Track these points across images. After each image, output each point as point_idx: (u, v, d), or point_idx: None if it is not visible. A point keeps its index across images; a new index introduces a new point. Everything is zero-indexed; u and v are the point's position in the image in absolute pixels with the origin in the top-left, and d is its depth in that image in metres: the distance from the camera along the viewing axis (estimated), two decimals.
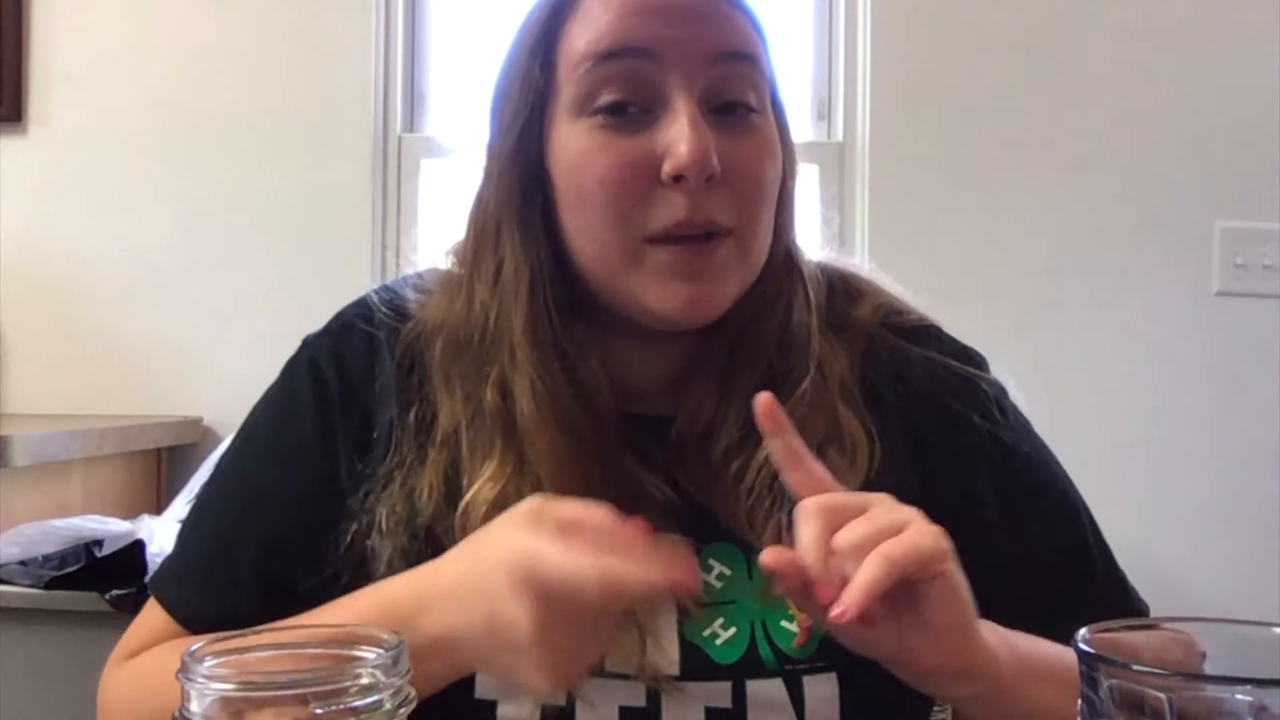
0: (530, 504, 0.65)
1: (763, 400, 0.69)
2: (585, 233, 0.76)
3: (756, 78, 0.77)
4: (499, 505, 0.71)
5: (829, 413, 0.80)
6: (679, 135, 0.73)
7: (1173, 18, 2.11)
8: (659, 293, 0.75)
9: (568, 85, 0.76)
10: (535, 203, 0.78)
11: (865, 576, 0.61)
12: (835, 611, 0.60)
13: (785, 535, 0.75)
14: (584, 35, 0.75)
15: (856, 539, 0.63)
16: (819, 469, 0.70)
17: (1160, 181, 2.11)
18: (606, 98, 0.75)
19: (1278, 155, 2.10)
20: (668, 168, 0.73)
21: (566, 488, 0.73)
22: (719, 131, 0.75)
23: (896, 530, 0.63)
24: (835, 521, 0.64)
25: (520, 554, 0.61)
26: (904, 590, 0.63)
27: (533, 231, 0.78)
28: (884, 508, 0.65)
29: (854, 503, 0.66)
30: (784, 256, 0.83)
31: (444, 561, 0.69)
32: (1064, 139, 2.12)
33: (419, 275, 0.88)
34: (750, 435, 0.78)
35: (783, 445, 0.70)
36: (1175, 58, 2.12)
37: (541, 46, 0.77)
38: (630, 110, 0.75)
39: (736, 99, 0.76)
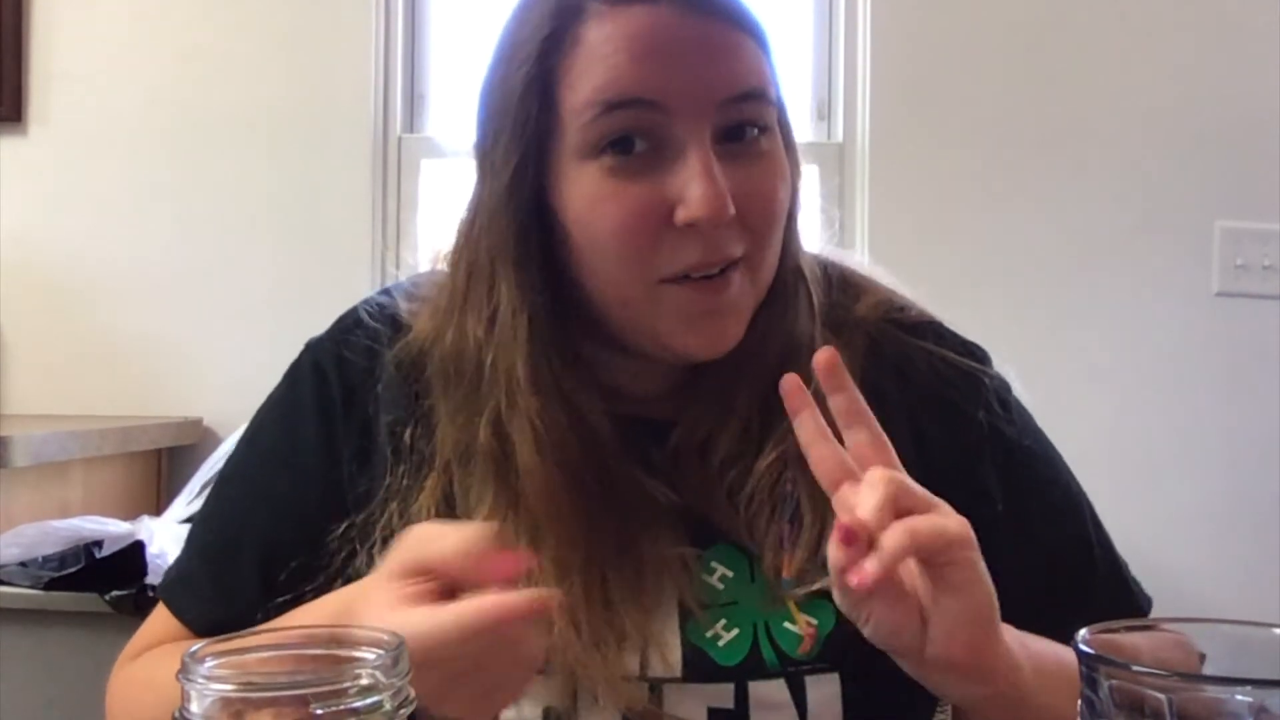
0: (392, 564, 0.64)
1: (789, 379, 0.69)
2: (599, 275, 0.75)
3: (766, 108, 0.76)
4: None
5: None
6: (692, 184, 0.71)
7: (1173, 18, 2.11)
8: (679, 334, 0.75)
9: (572, 130, 0.73)
10: (532, 245, 0.76)
11: (888, 545, 0.61)
12: (853, 579, 0.61)
13: (788, 543, 0.76)
14: (588, 81, 0.72)
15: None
16: (838, 448, 0.69)
17: (1160, 181, 2.11)
18: (614, 138, 0.73)
19: (1278, 155, 2.10)
20: (682, 216, 0.72)
21: (565, 524, 0.74)
22: (729, 162, 0.73)
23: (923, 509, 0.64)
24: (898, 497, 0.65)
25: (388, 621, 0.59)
26: (927, 574, 0.64)
27: (530, 276, 0.76)
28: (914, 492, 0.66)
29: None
30: (793, 270, 0.82)
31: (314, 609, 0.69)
32: (1064, 139, 2.12)
33: (413, 283, 0.87)
34: (749, 446, 0.79)
35: (809, 420, 0.69)
36: (1175, 58, 2.12)
37: (538, 86, 0.74)
38: (639, 147, 0.73)
39: (746, 123, 0.75)
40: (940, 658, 0.65)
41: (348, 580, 0.78)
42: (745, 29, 0.74)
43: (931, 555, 0.63)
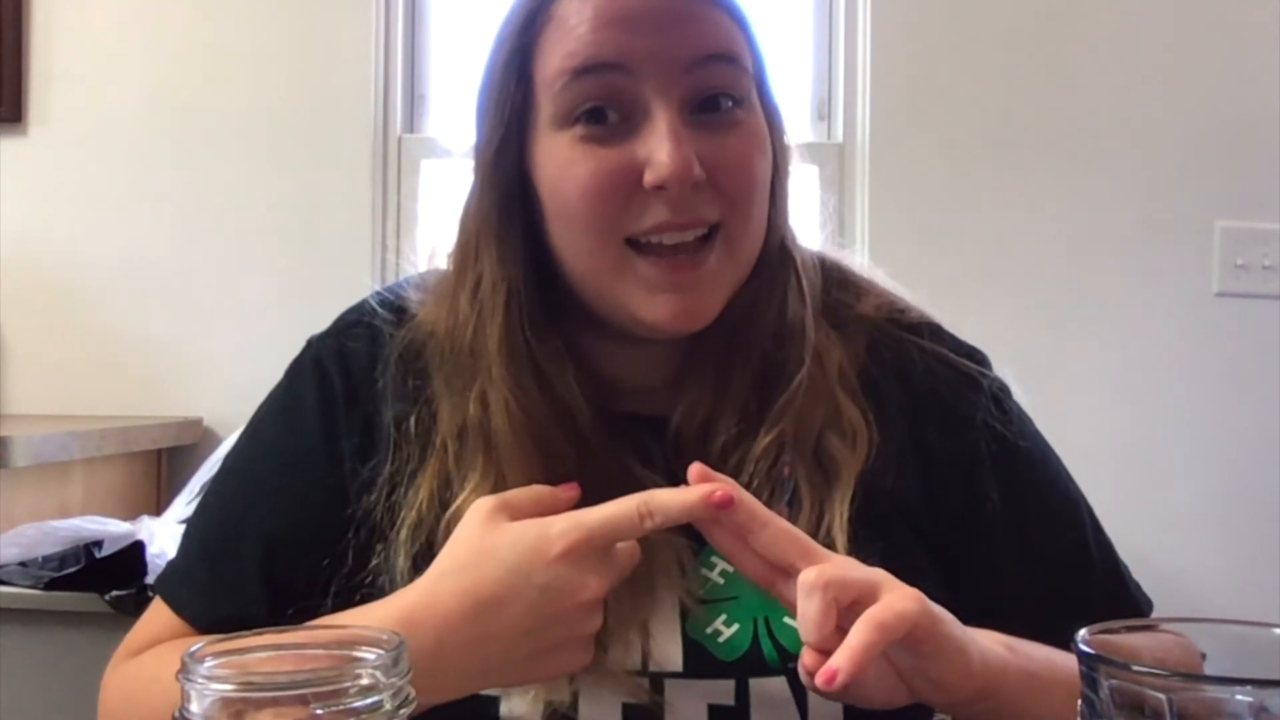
0: (486, 504, 0.69)
1: (694, 470, 0.68)
2: (570, 241, 0.77)
3: (738, 74, 0.76)
4: None
5: (828, 399, 0.80)
6: (659, 146, 0.73)
7: (1173, 18, 2.11)
8: (646, 304, 0.75)
9: (546, 101, 0.76)
10: (514, 218, 0.78)
11: (856, 642, 0.60)
12: (822, 680, 0.60)
13: None
14: (558, 51, 0.75)
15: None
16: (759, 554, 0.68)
17: (1160, 181, 2.11)
18: (585, 108, 0.74)
19: (1278, 155, 2.10)
20: (649, 178, 0.73)
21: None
22: (702, 131, 0.75)
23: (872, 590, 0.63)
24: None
25: (560, 530, 0.65)
26: (903, 653, 0.64)
27: (510, 248, 0.78)
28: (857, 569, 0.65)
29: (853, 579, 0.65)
30: (778, 249, 0.82)
31: (435, 590, 0.68)
32: (1064, 139, 2.12)
33: (420, 276, 0.89)
34: (747, 429, 0.79)
35: (724, 535, 0.68)
36: (1175, 58, 2.12)
37: (516, 61, 0.77)
38: (610, 118, 0.74)
39: (719, 94, 0.76)
40: (937, 705, 0.68)
41: (369, 574, 0.78)
42: (717, 4, 0.76)
43: (899, 641, 0.62)
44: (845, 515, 0.76)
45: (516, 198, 0.78)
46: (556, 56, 0.75)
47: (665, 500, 0.66)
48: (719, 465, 0.78)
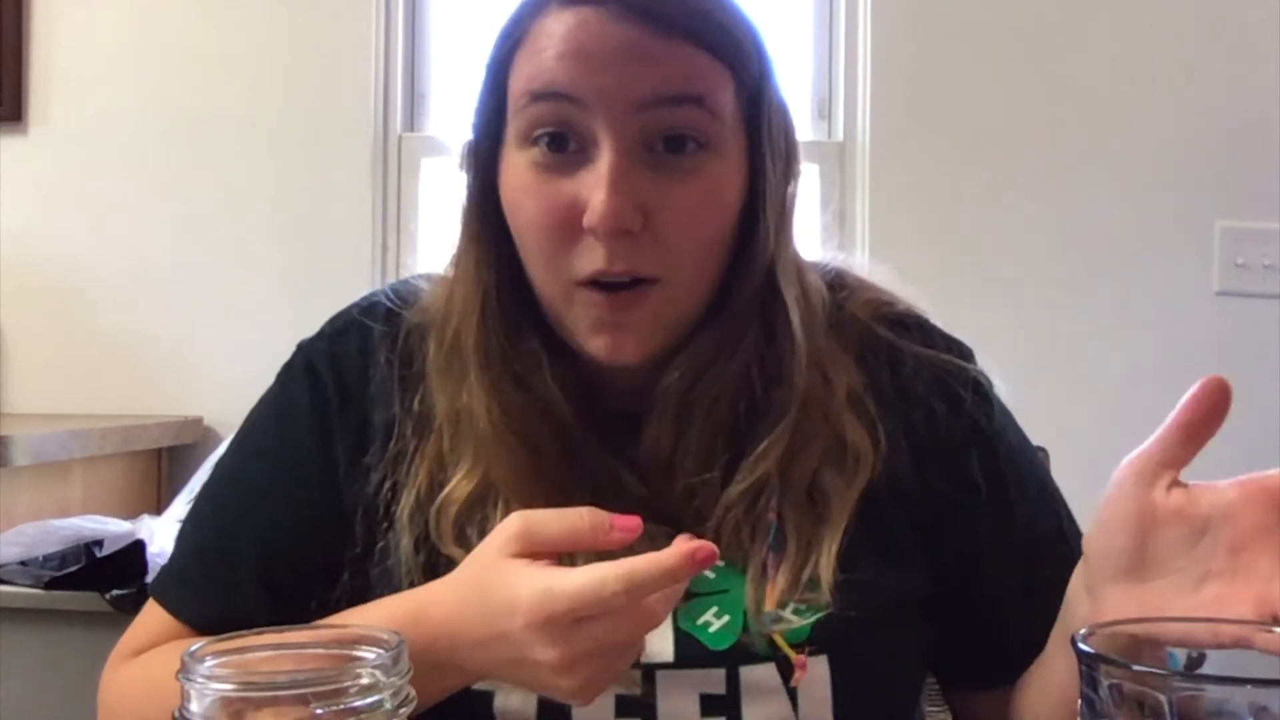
0: (512, 526, 0.67)
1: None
2: (528, 264, 0.78)
3: (703, 117, 0.74)
4: (469, 504, 0.77)
5: (827, 432, 0.80)
6: (595, 189, 0.72)
7: (1173, 18, 2.11)
8: (588, 337, 0.76)
9: (512, 116, 0.76)
10: (488, 223, 0.79)
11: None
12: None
13: (770, 571, 0.76)
14: (524, 71, 0.75)
15: None
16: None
17: (1160, 181, 2.11)
18: (541, 132, 0.74)
19: (1278, 155, 2.10)
20: (585, 221, 0.73)
21: (530, 494, 0.75)
22: (655, 174, 0.73)
23: None
24: None
25: (529, 596, 0.63)
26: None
27: (484, 252, 0.79)
28: None
29: None
30: (754, 294, 0.79)
31: (449, 594, 0.70)
32: (1064, 139, 2.12)
33: (431, 270, 0.90)
34: (706, 466, 0.78)
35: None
36: (1175, 58, 2.12)
37: (493, 71, 0.78)
38: (571, 146, 0.74)
39: (681, 135, 0.74)
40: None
41: (376, 556, 0.79)
42: (694, 39, 0.73)
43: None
44: (834, 551, 0.76)
45: (490, 205, 0.79)
46: (521, 77, 0.75)
47: (648, 572, 0.62)
48: (684, 505, 0.78)
